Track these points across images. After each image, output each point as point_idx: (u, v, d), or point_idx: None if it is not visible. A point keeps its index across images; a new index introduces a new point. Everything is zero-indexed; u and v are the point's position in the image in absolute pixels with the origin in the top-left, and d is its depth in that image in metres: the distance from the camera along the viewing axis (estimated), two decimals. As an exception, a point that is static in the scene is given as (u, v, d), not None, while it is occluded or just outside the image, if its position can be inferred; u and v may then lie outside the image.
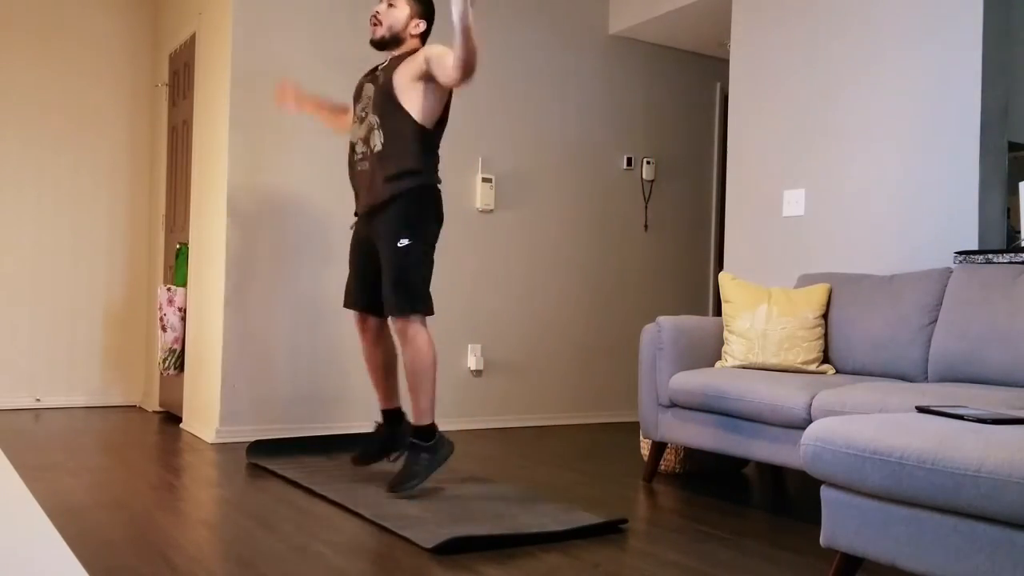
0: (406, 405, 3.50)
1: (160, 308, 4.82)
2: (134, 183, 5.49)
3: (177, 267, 4.90)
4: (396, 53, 3.29)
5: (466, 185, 4.87)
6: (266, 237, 4.36)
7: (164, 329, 4.78)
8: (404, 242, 3.14)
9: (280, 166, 4.40)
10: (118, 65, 5.43)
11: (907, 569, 1.93)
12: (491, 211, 4.98)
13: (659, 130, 5.60)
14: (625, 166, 5.45)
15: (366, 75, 3.37)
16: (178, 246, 4.93)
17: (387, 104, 3.18)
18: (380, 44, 3.30)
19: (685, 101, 5.71)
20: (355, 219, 3.41)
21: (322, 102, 3.69)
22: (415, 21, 3.28)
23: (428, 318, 3.24)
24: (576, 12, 5.29)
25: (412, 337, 3.16)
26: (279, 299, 4.39)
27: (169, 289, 4.80)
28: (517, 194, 5.08)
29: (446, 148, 3.59)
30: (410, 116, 3.16)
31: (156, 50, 5.52)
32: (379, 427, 3.52)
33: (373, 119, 3.21)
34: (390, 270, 3.16)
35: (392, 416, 3.49)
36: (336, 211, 4.51)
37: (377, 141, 3.19)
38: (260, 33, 4.35)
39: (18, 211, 5.18)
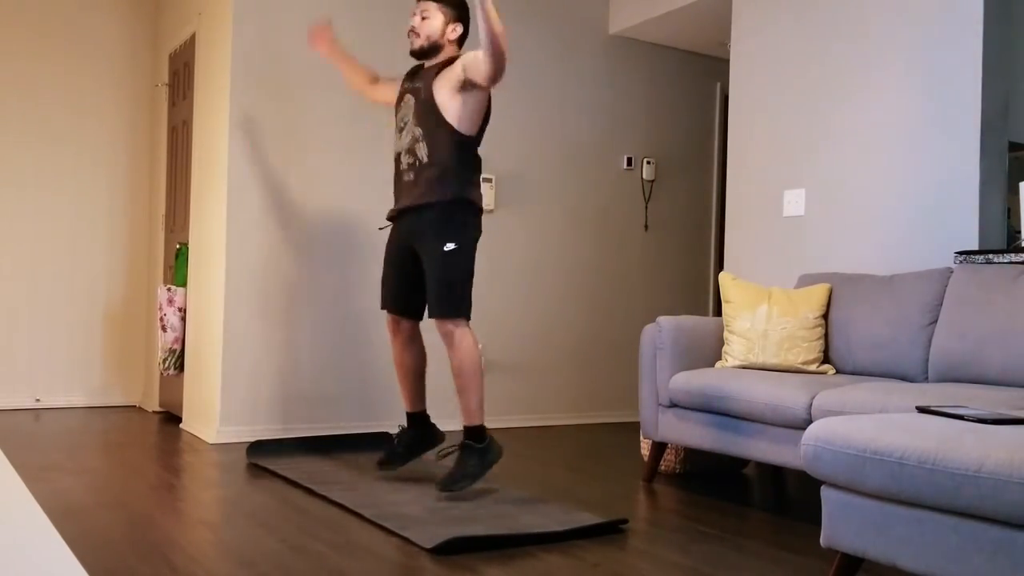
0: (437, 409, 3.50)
1: (160, 308, 4.82)
2: (134, 183, 5.49)
3: (177, 267, 4.90)
4: (435, 61, 3.32)
5: (466, 185, 4.87)
6: (266, 237, 4.36)
7: (164, 329, 4.78)
8: (451, 246, 3.18)
9: (280, 166, 4.40)
10: (118, 65, 5.43)
11: (907, 569, 1.93)
12: (491, 211, 4.98)
13: (659, 130, 5.60)
14: (625, 166, 5.45)
15: (405, 83, 3.40)
16: (178, 246, 4.93)
17: (430, 116, 3.23)
18: (420, 54, 3.34)
19: (685, 101, 5.71)
20: (388, 222, 3.43)
21: (350, 58, 3.69)
22: (451, 26, 3.32)
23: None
24: (576, 12, 5.29)
25: (460, 340, 3.18)
26: (279, 299, 4.39)
27: (169, 289, 4.80)
28: (517, 194, 5.08)
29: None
30: (452, 127, 3.21)
31: (156, 50, 5.52)
32: (402, 431, 3.52)
33: (416, 131, 3.25)
34: (436, 273, 3.19)
35: (418, 418, 3.50)
36: (337, 210, 4.51)
37: (423, 153, 3.23)
38: (260, 33, 4.35)
39: (18, 211, 5.17)
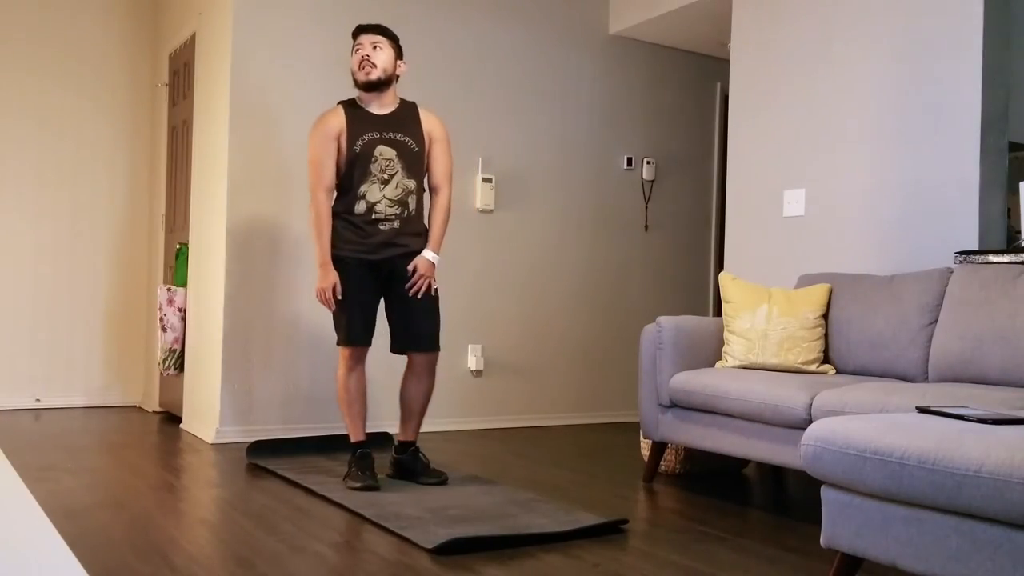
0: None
1: (160, 308, 4.82)
2: (134, 183, 5.49)
3: (177, 267, 4.90)
4: (394, 105, 3.41)
5: (466, 185, 4.87)
6: (266, 237, 4.36)
7: (164, 329, 4.78)
8: (435, 287, 3.43)
9: (280, 166, 4.40)
10: (118, 65, 5.43)
11: (907, 569, 1.93)
12: (491, 211, 4.98)
13: (659, 130, 5.60)
14: (625, 166, 5.45)
15: (375, 134, 3.32)
16: (178, 246, 4.93)
17: (420, 168, 3.41)
18: (376, 85, 3.35)
19: (685, 101, 5.71)
20: (351, 262, 3.33)
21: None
22: (398, 62, 3.41)
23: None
24: (576, 12, 5.29)
25: (434, 368, 3.48)
26: (279, 299, 4.39)
27: (169, 289, 4.80)
28: (517, 194, 5.08)
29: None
30: (423, 181, 3.45)
31: (156, 50, 5.52)
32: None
33: (410, 183, 3.37)
34: (429, 312, 3.42)
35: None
36: (336, 211, 4.51)
37: (413, 205, 3.38)
38: (260, 33, 4.35)
39: (18, 211, 5.17)
